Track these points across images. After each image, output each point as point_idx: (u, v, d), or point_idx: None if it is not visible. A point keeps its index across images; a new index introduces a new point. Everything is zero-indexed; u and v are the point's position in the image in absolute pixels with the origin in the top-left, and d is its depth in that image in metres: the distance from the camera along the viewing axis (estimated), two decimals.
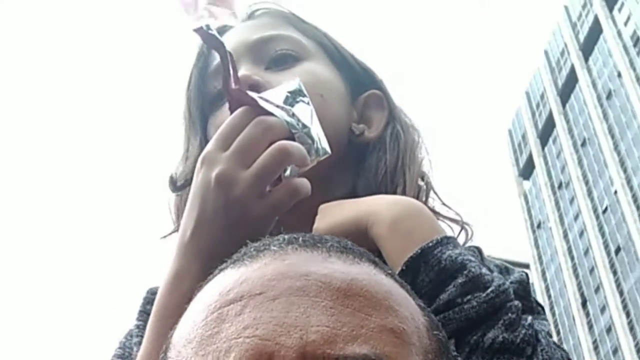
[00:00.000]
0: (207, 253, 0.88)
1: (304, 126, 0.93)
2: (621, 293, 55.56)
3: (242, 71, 1.06)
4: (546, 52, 73.52)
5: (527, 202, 72.85)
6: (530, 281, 0.98)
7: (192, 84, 1.14)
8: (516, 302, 0.86)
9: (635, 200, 55.85)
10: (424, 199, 1.09)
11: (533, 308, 0.93)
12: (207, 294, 0.63)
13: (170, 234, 1.11)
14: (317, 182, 0.95)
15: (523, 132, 74.37)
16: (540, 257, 68.10)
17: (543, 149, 70.74)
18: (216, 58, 1.08)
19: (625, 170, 57.85)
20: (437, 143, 1.15)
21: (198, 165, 0.94)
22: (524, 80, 77.95)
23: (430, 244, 0.88)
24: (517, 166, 75.23)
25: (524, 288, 0.94)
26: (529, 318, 0.86)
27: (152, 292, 1.05)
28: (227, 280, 0.62)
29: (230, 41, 1.10)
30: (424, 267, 0.87)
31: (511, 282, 0.91)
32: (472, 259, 0.88)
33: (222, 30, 1.16)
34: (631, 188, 56.55)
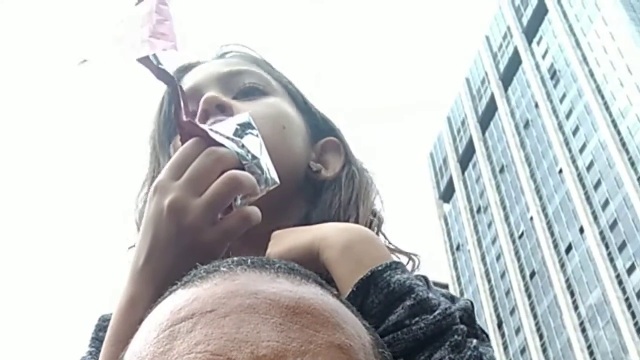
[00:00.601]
0: (160, 279, 0.89)
1: (254, 157, 0.95)
2: (535, 316, 57.06)
3: (210, 93, 1.10)
4: (467, 80, 74.99)
5: (447, 224, 74.07)
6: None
7: (163, 109, 1.19)
8: (462, 326, 0.89)
9: (549, 227, 57.55)
10: (374, 231, 1.11)
11: (478, 334, 0.95)
12: (158, 313, 0.64)
13: (134, 246, 1.11)
14: (268, 210, 0.97)
15: (444, 156, 75.60)
16: (458, 279, 69.25)
17: (463, 173, 72.07)
18: (185, 85, 1.12)
19: (540, 198, 59.51)
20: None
21: (150, 193, 0.94)
22: (446, 105, 79.46)
23: (380, 268, 0.91)
24: (437, 189, 76.37)
25: (468, 315, 0.96)
26: (474, 341, 0.89)
27: (104, 319, 1.06)
28: (177, 299, 0.63)
29: (199, 73, 1.15)
30: (373, 289, 0.90)
31: (456, 309, 0.93)
32: (420, 283, 0.92)
33: (191, 65, 1.22)
34: (546, 215, 58.22)
